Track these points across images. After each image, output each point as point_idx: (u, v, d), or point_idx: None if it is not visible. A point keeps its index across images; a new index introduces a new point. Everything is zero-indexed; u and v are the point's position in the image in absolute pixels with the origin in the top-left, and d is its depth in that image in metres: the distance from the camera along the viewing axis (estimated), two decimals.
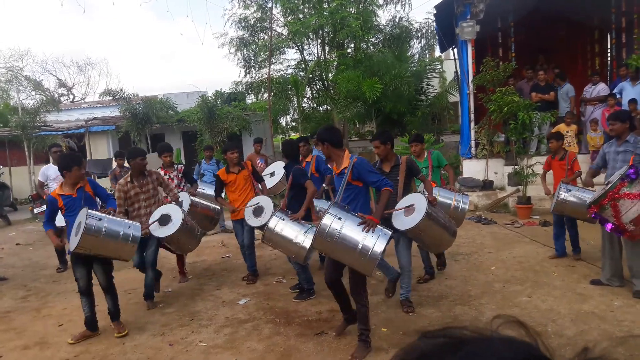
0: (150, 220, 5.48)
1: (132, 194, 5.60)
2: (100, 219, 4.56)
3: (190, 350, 4.47)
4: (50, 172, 7.75)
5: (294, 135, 17.14)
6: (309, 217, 5.31)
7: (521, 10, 11.54)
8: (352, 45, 17.86)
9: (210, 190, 7.72)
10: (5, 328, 5.30)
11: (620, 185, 4.64)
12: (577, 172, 6.29)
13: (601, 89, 10.23)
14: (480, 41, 11.76)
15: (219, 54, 70.08)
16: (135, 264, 5.79)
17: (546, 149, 10.14)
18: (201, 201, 6.97)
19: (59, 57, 63.86)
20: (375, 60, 16.23)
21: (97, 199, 5.22)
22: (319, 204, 5.91)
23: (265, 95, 16.94)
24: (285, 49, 18.40)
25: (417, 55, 19.52)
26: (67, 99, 31.60)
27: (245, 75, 18.60)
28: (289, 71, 18.71)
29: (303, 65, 18.33)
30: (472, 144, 11.45)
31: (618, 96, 9.73)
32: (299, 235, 4.79)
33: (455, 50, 13.30)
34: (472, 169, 11.16)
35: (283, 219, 4.92)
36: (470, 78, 11.41)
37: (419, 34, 18.77)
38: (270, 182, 7.74)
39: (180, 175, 7.19)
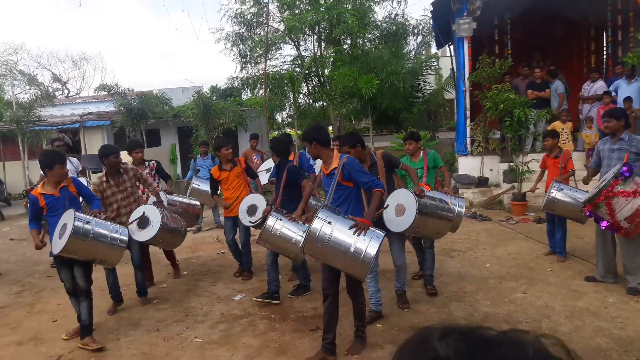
0: (130, 220, 5.30)
1: (109, 194, 5.35)
2: (87, 222, 4.35)
3: (185, 346, 4.47)
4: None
5: (292, 132, 17.10)
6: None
7: (518, 7, 11.55)
8: (349, 42, 17.83)
9: (205, 186, 7.69)
10: (0, 324, 5.28)
11: (614, 184, 4.66)
12: (571, 171, 6.29)
13: (599, 86, 10.24)
14: (476, 38, 11.76)
15: (215, 49, 69.84)
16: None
17: (541, 146, 10.17)
18: (179, 199, 6.87)
19: (54, 51, 63.38)
20: (372, 56, 16.20)
21: (81, 200, 4.96)
22: (314, 201, 5.90)
23: (261, 91, 16.92)
24: (281, 44, 18.38)
25: (413, 52, 19.49)
26: (61, 94, 31.46)
27: (241, 71, 18.61)
28: (285, 67, 18.70)
29: (299, 61, 18.30)
30: (468, 140, 11.47)
31: (613, 94, 9.75)
32: (297, 235, 4.68)
33: (452, 47, 13.32)
34: (467, 165, 11.19)
35: (280, 219, 4.77)
36: (467, 75, 11.43)
37: (416, 31, 18.78)
38: (265, 178, 7.72)
39: (153, 172, 6.78)
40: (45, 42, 59.37)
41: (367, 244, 3.56)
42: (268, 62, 17.02)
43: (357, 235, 3.58)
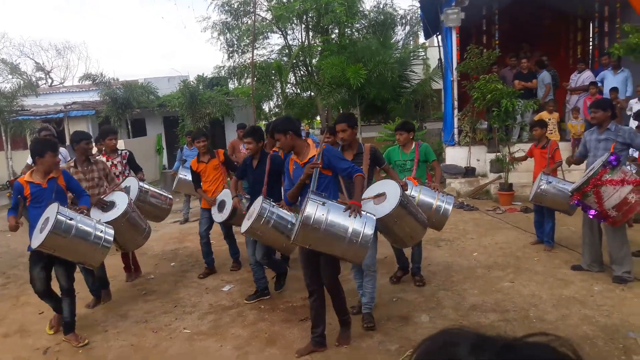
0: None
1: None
2: (71, 218, 4.13)
3: (174, 337, 4.44)
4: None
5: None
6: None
7: None
8: (337, 31, 17.72)
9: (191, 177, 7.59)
10: None
11: (602, 172, 4.70)
12: (558, 162, 6.32)
13: (586, 77, 10.29)
14: (464, 29, 11.75)
15: (202, 38, 69.05)
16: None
17: (528, 137, 10.24)
18: (151, 187, 6.71)
19: (37, 40, 62.22)
20: (360, 46, 16.15)
21: (69, 194, 4.72)
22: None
23: (248, 80, 16.76)
24: (268, 33, 18.19)
25: (401, 42, 19.46)
26: (45, 83, 30.88)
27: (228, 60, 18.41)
28: (273, 56, 18.54)
29: (287, 51, 18.16)
30: (455, 131, 11.50)
31: (599, 84, 9.82)
32: (288, 225, 4.52)
33: (440, 37, 13.28)
34: (454, 156, 11.23)
35: (272, 210, 4.52)
36: (454, 65, 11.42)
37: (404, 21, 18.69)
38: None
39: (124, 162, 6.46)
40: (28, 30, 58.28)
41: (364, 225, 3.50)
42: (255, 51, 16.90)
43: (353, 218, 3.49)
